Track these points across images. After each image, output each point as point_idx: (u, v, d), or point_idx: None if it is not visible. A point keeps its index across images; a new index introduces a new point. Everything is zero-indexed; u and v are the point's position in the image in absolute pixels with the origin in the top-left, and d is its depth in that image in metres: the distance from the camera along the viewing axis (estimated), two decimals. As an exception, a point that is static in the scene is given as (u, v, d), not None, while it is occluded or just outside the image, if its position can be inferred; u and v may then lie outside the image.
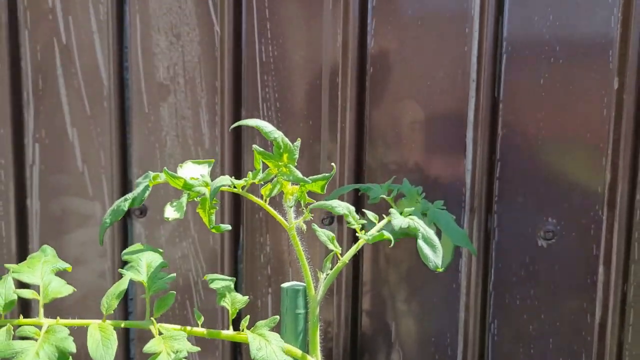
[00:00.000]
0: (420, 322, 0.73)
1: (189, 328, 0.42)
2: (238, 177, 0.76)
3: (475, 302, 0.71)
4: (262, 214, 0.77)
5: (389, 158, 0.72)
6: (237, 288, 0.79)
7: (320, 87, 0.73)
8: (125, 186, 0.80)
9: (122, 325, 0.40)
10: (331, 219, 0.74)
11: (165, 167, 0.46)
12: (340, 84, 0.72)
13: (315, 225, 0.49)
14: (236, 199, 0.77)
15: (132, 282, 0.79)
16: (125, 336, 0.80)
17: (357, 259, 0.74)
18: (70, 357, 0.36)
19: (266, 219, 0.77)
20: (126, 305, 0.81)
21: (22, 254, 0.83)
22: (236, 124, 0.46)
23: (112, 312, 0.40)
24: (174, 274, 0.44)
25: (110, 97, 0.78)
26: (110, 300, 0.40)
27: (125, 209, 0.47)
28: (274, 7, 0.73)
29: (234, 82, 0.75)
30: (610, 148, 0.67)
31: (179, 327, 0.40)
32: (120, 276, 0.80)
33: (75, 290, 0.42)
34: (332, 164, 0.45)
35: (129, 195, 0.47)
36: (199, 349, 0.38)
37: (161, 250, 0.46)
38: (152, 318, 0.40)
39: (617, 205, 0.67)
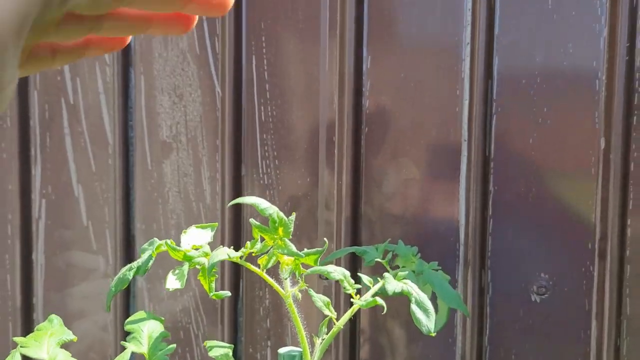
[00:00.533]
0: (417, 376, 0.75)
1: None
2: (238, 232, 0.79)
3: (471, 357, 0.72)
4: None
5: (385, 214, 0.74)
6: (236, 341, 0.80)
7: (317, 146, 0.76)
8: (128, 240, 0.82)
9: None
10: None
11: (167, 240, 0.48)
12: (336, 143, 0.75)
13: (312, 291, 0.51)
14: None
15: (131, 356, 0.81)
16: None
17: (355, 315, 0.76)
18: None
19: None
20: None
21: (27, 307, 0.85)
22: (234, 202, 0.49)
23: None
24: (174, 345, 0.45)
25: (115, 154, 0.81)
26: (112, 374, 0.41)
27: (130, 277, 0.49)
28: (273, 70, 0.76)
29: (234, 140, 0.77)
30: (599, 206, 0.69)
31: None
32: (122, 327, 0.82)
33: (82, 338, 0.44)
34: (325, 239, 0.47)
35: (134, 264, 0.49)
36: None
37: (162, 319, 0.48)
38: (152, 391, 0.42)
39: (608, 261, 0.69)
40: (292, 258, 0.46)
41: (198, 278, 0.49)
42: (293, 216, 0.46)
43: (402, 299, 0.74)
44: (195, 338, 0.81)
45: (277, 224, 0.45)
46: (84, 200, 0.82)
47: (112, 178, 0.81)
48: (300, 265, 0.47)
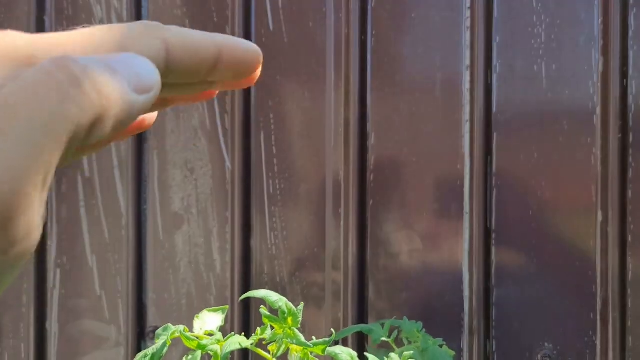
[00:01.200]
0: None
1: None
2: (248, 309, 0.81)
3: None
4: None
5: (392, 289, 0.76)
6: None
7: (324, 219, 0.78)
8: (140, 310, 0.84)
9: None
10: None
11: (182, 328, 0.50)
12: (342, 215, 0.77)
13: (320, 372, 0.53)
14: (245, 308, 0.80)
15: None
16: None
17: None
18: None
19: (274, 341, 0.80)
20: None
21: (40, 376, 0.86)
22: (245, 296, 0.51)
23: None
24: None
25: (128, 226, 0.83)
26: None
27: (144, 365, 0.51)
28: (280, 145, 0.80)
29: (244, 212, 0.80)
30: (599, 278, 0.71)
31: None
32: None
33: None
34: (332, 329, 0.49)
35: (149, 351, 0.51)
36: None
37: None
38: None
39: (610, 332, 0.70)
40: (302, 350, 0.48)
41: (211, 363, 0.51)
42: (301, 306, 0.48)
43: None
44: (205, 407, 0.82)
45: (286, 315, 0.47)
46: (97, 270, 0.85)
47: (125, 248, 0.83)
48: (309, 354, 0.49)
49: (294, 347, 0.49)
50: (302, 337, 0.47)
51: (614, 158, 0.70)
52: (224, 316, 0.54)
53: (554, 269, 0.72)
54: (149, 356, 0.50)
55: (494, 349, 0.74)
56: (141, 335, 0.84)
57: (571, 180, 0.72)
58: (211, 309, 0.54)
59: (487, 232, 0.74)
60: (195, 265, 0.82)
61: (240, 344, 0.47)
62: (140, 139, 0.83)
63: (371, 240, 0.77)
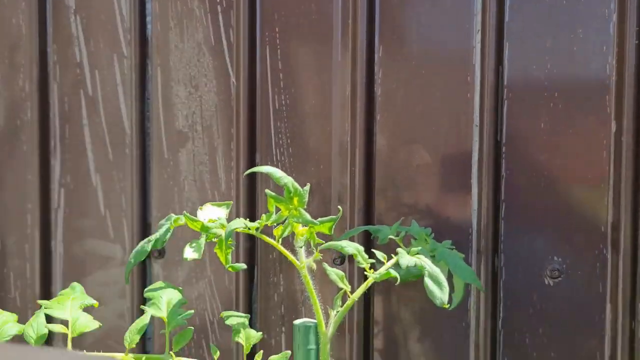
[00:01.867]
0: (431, 358, 0.75)
1: (206, 363, 0.44)
2: (252, 219, 0.80)
3: (484, 341, 0.73)
4: (275, 255, 0.79)
5: (398, 201, 0.75)
6: (251, 327, 0.81)
7: (330, 133, 0.77)
8: (145, 229, 0.83)
9: (144, 359, 0.43)
10: (342, 259, 0.76)
11: (185, 211, 0.49)
12: (349, 130, 0.76)
13: (326, 265, 0.52)
14: (250, 241, 0.80)
15: (149, 323, 0.82)
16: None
17: (368, 299, 0.76)
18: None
19: (279, 259, 0.79)
20: (144, 345, 0.83)
21: (46, 295, 0.86)
22: (250, 171, 0.50)
23: (134, 346, 0.43)
24: (192, 310, 0.46)
25: (132, 144, 0.82)
26: (132, 335, 0.43)
27: (149, 249, 0.50)
28: (286, 59, 0.78)
29: (249, 129, 0.79)
30: (611, 189, 0.69)
31: (196, 361, 0.43)
32: (138, 315, 0.83)
33: (102, 325, 0.45)
34: (339, 207, 0.48)
35: (152, 237, 0.50)
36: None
37: (180, 288, 0.49)
38: (171, 352, 0.43)
39: (621, 244, 0.69)
40: (307, 228, 0.47)
41: (215, 250, 0.50)
42: (308, 187, 0.47)
43: (417, 286, 0.75)
44: (210, 325, 0.82)
45: (292, 194, 0.46)
46: (101, 189, 0.84)
47: (129, 167, 0.82)
48: (315, 235, 0.48)
49: (299, 230, 0.48)
50: (308, 216, 0.46)
51: (630, 71, 0.68)
52: (227, 211, 0.53)
53: (564, 182, 0.70)
54: (152, 241, 0.49)
55: (502, 264, 0.73)
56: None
57: (585, 91, 0.70)
58: (215, 203, 0.53)
59: (496, 144, 0.72)
60: (200, 183, 0.81)
61: (245, 224, 0.46)
62: (143, 56, 0.82)
63: (378, 156, 0.75)
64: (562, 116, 0.70)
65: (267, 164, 0.79)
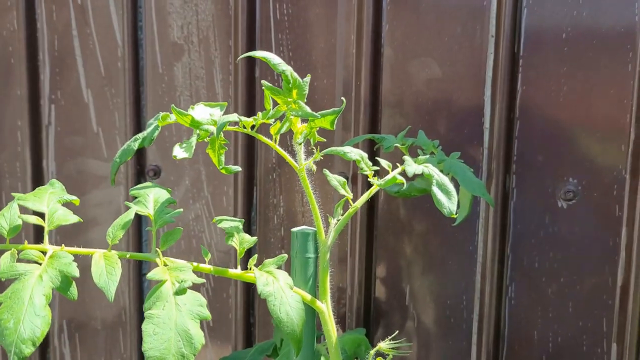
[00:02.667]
0: (436, 285, 0.72)
1: (195, 264, 0.41)
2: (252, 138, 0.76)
3: (492, 265, 0.70)
4: (275, 175, 0.76)
5: (404, 118, 0.70)
6: (251, 250, 0.78)
7: (335, 46, 0.72)
8: (140, 147, 0.79)
9: (127, 256, 0.40)
10: (345, 178, 0.73)
11: (173, 105, 0.45)
12: (355, 41, 0.71)
13: (327, 171, 0.48)
14: (250, 159, 0.76)
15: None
16: (138, 270, 0.81)
17: (371, 221, 0.73)
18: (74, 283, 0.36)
19: (280, 179, 0.76)
20: (140, 246, 0.81)
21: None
22: (244, 55, 0.45)
23: (117, 242, 0.40)
24: (181, 209, 0.43)
25: (125, 57, 0.78)
26: (115, 231, 0.39)
27: (135, 148, 0.46)
28: (289, -37, 0.72)
29: (248, 41, 0.74)
30: (635, 104, 0.65)
31: (184, 261, 0.40)
32: (135, 236, 0.80)
33: (82, 220, 0.42)
34: (342, 98, 0.43)
35: (139, 135, 0.47)
36: (203, 280, 0.38)
37: (169, 189, 0.45)
38: (157, 249, 0.39)
39: (642, 164, 0.65)
40: (307, 124, 0.43)
41: (207, 151, 0.46)
42: (308, 78, 0.43)
43: (423, 207, 0.71)
44: (208, 247, 0.79)
45: (290, 85, 0.42)
46: (93, 105, 0.80)
47: (122, 82, 0.78)
48: (316, 133, 0.44)
49: (298, 127, 0.44)
50: (308, 109, 0.42)
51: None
52: (222, 111, 0.49)
53: (585, 97, 0.66)
54: (139, 139, 0.45)
55: (513, 185, 0.69)
56: (141, 173, 0.80)
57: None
58: (208, 103, 0.49)
59: (513, 57, 0.67)
60: (197, 98, 0.77)
61: (239, 119, 0.42)
62: (135, -41, 0.76)
63: (385, 69, 0.71)
64: (588, 23, 0.65)
65: (267, 79, 0.74)
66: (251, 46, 0.74)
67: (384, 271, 0.74)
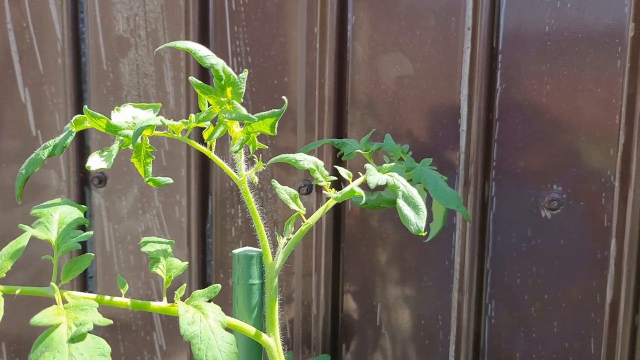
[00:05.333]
0: (409, 303, 0.66)
1: (107, 298, 0.34)
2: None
3: (470, 281, 0.63)
4: (232, 183, 0.69)
5: (373, 120, 0.64)
6: (205, 264, 0.71)
7: (296, 40, 0.65)
8: (83, 153, 0.72)
9: (17, 292, 0.33)
10: (309, 188, 0.66)
11: (85, 106, 0.38)
12: (318, 35, 0.64)
13: (275, 182, 0.41)
14: (204, 166, 0.69)
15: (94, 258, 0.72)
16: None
17: (338, 233, 0.67)
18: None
19: (237, 188, 0.69)
20: (85, 284, 0.73)
21: (-28, 228, 0.76)
22: (163, 46, 0.38)
23: (4, 275, 0.33)
24: (91, 232, 0.36)
25: (65, 52, 0.70)
26: (3, 262, 0.32)
27: (45, 157, 0.39)
28: (245, -51, 0.65)
29: (201, 34, 0.67)
30: (625, 104, 0.59)
31: (92, 295, 0.33)
32: (77, 252, 0.73)
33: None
34: (284, 97, 0.37)
35: (50, 142, 0.39)
36: (110, 321, 0.31)
37: (84, 207, 0.38)
38: (52, 284, 0.32)
39: (633, 170, 0.59)
40: (244, 129, 0.36)
41: (131, 160, 0.39)
42: (245, 73, 0.36)
43: (394, 219, 0.65)
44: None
45: (223, 82, 0.35)
46: (31, 106, 0.72)
47: (63, 80, 0.71)
48: (256, 139, 0.37)
49: (236, 132, 0.37)
50: (244, 110, 0.35)
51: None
52: (155, 113, 0.42)
53: (570, 96, 0.60)
54: (50, 147, 0.38)
55: (492, 193, 0.63)
56: (85, 182, 0.73)
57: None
58: (138, 104, 0.42)
59: (491, 53, 0.61)
60: (145, 98, 0.69)
61: (162, 122, 0.35)
62: (75, -56, 0.69)
63: (352, 66, 0.64)
64: (572, 15, 0.58)
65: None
66: (204, 39, 0.67)
67: (353, 288, 0.67)
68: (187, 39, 0.67)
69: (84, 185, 0.73)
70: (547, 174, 0.61)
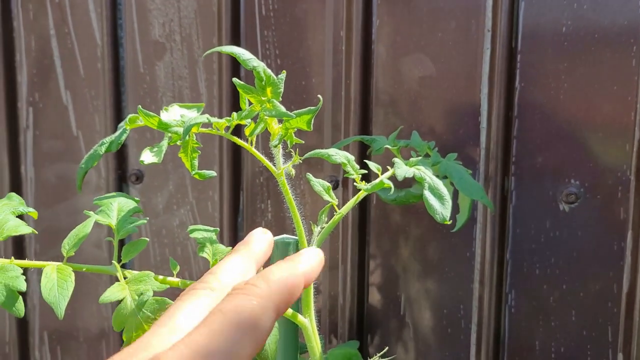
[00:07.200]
0: (432, 292, 0.69)
1: (160, 277, 0.38)
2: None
3: (491, 272, 0.66)
4: (262, 179, 0.72)
5: (396, 118, 0.67)
6: (237, 258, 0.75)
7: (323, 43, 0.68)
8: (121, 151, 0.76)
9: (84, 270, 0.36)
10: (336, 183, 0.69)
11: (139, 106, 0.42)
12: (344, 38, 0.67)
13: (310, 175, 0.45)
14: (236, 163, 0.73)
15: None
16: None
17: (364, 227, 0.70)
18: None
19: (267, 184, 0.72)
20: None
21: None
22: (209, 51, 0.42)
23: (73, 254, 0.36)
24: (147, 219, 0.40)
25: (104, 57, 0.74)
26: (72, 242, 0.36)
27: (102, 152, 0.43)
28: (274, -43, 0.69)
29: (233, 38, 0.71)
30: (639, 103, 0.61)
31: (148, 272, 0.36)
32: (119, 246, 0.77)
33: (36, 232, 0.38)
34: (319, 96, 0.40)
35: (106, 139, 0.43)
36: (166, 286, 0.34)
37: (137, 199, 0.42)
38: (113, 262, 0.36)
39: (648, 164, 0.61)
40: (282, 125, 0.39)
41: (179, 155, 0.43)
42: (283, 75, 0.39)
43: (417, 212, 0.68)
44: (193, 255, 0.76)
45: (264, 82, 0.38)
46: (72, 108, 0.77)
47: (102, 83, 0.75)
48: (293, 135, 0.40)
49: (275, 128, 0.40)
50: (282, 108, 0.38)
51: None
52: (199, 112, 0.45)
53: (586, 94, 0.62)
54: (107, 144, 0.42)
55: (512, 188, 0.65)
56: (123, 178, 0.77)
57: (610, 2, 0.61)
58: (183, 104, 0.46)
59: (510, 54, 0.63)
60: (180, 99, 0.73)
61: (209, 119, 0.39)
62: (114, -45, 0.73)
63: (376, 67, 0.67)
64: (588, 16, 0.61)
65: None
66: (236, 44, 0.71)
67: (378, 278, 0.70)
68: (220, 43, 0.71)
69: (121, 182, 0.77)
70: (564, 169, 0.64)
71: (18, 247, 0.80)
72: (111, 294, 0.33)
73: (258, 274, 0.32)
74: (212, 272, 0.33)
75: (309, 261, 0.34)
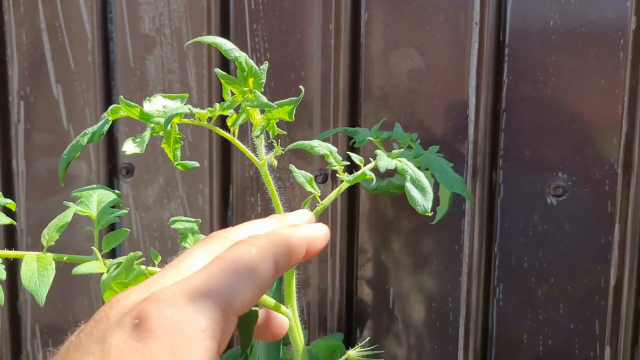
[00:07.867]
0: (420, 285, 0.69)
1: (143, 267, 0.38)
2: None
3: (479, 265, 0.66)
4: (252, 172, 0.73)
5: (385, 112, 0.67)
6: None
7: (312, 36, 0.68)
8: (111, 145, 0.76)
9: (65, 259, 0.37)
10: (325, 177, 0.69)
11: (121, 96, 0.42)
12: (333, 31, 0.67)
13: (293, 166, 0.45)
14: (225, 157, 0.73)
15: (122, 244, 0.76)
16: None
17: (353, 219, 0.70)
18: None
19: (257, 177, 0.73)
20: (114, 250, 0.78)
21: (8, 216, 0.80)
22: (191, 41, 0.42)
23: (53, 243, 0.37)
24: (127, 209, 0.40)
25: (95, 51, 0.74)
26: (51, 232, 0.36)
27: (84, 143, 0.43)
28: (263, -50, 0.69)
29: (222, 32, 0.71)
30: (627, 95, 0.61)
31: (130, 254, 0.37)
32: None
33: (15, 223, 0.38)
34: (301, 87, 0.40)
35: (89, 130, 0.43)
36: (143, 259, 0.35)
37: (118, 192, 0.42)
38: (94, 248, 0.36)
39: (635, 158, 0.61)
40: (264, 116, 0.39)
41: (162, 146, 0.43)
42: (265, 65, 0.39)
43: (406, 205, 0.68)
44: (182, 249, 0.76)
45: (246, 73, 0.38)
46: (63, 101, 0.77)
47: (93, 77, 0.75)
48: (275, 125, 0.40)
49: (257, 119, 0.40)
50: (264, 98, 0.38)
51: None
52: (183, 103, 0.45)
53: (574, 88, 0.62)
54: (89, 134, 0.42)
55: (500, 181, 0.65)
56: (113, 172, 0.77)
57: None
58: (167, 95, 0.46)
59: (498, 46, 0.63)
60: (170, 93, 0.73)
61: (191, 110, 0.39)
62: (104, -52, 0.73)
63: (365, 60, 0.67)
64: (576, 10, 0.61)
65: (242, 72, 0.71)
66: (225, 37, 0.71)
67: (366, 272, 0.70)
68: (209, 35, 0.71)
69: (112, 176, 0.77)
70: (552, 162, 0.64)
71: (10, 240, 0.80)
72: (86, 267, 0.34)
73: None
74: (237, 227, 0.35)
75: (313, 229, 0.35)
